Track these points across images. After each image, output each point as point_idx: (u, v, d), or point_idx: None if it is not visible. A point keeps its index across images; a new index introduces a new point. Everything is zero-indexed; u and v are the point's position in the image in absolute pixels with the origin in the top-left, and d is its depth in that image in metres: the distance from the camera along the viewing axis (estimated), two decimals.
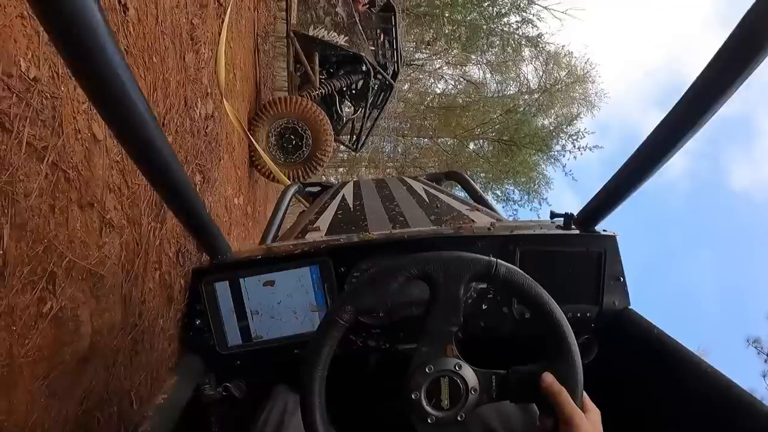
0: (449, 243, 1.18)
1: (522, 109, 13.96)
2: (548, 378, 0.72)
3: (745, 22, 0.63)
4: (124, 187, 1.69)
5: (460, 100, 14.55)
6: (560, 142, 13.68)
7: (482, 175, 14.00)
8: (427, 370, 0.75)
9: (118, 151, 1.60)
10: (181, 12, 2.46)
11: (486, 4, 11.23)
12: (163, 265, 2.17)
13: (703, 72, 0.71)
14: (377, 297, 0.77)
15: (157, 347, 2.00)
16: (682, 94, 0.76)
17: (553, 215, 1.28)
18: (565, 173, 13.57)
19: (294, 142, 5.00)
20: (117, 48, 0.53)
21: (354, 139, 7.20)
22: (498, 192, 14.07)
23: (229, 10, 3.46)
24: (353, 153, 9.98)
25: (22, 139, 1.07)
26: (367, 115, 6.41)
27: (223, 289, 1.10)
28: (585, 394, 0.73)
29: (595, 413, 0.71)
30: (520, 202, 14.00)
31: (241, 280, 1.11)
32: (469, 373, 0.76)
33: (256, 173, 5.21)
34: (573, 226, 1.21)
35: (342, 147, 8.58)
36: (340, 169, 15.12)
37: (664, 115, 0.81)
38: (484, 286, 1.17)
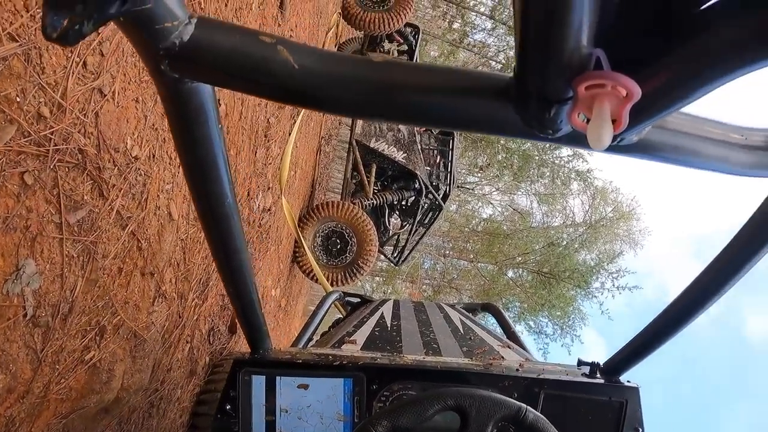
0: (478, 378, 1.23)
1: (565, 242, 14.01)
2: None
3: None
4: (182, 264, 1.86)
5: (505, 227, 14.77)
6: (600, 279, 13.54)
7: (518, 304, 13.79)
8: None
9: (185, 230, 1.79)
10: (261, 111, 2.79)
11: None
12: (195, 340, 2.27)
13: (734, 238, 0.77)
14: (413, 419, 0.85)
15: (169, 415, 2.04)
16: (713, 258, 0.82)
17: (580, 363, 1.35)
18: (602, 311, 13.22)
19: (339, 246, 5.10)
20: (225, 157, 0.64)
21: (397, 253, 7.34)
22: (531, 323, 13.76)
23: (302, 112, 3.82)
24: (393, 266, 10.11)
25: (113, 208, 1.26)
26: (413, 231, 6.56)
27: (258, 382, 1.19)
28: None
29: None
30: (552, 336, 13.62)
31: (278, 378, 1.20)
32: None
33: (296, 269, 5.38)
34: (598, 375, 1.26)
35: (383, 257, 8.74)
36: (377, 278, 15.22)
37: (696, 275, 0.87)
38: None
